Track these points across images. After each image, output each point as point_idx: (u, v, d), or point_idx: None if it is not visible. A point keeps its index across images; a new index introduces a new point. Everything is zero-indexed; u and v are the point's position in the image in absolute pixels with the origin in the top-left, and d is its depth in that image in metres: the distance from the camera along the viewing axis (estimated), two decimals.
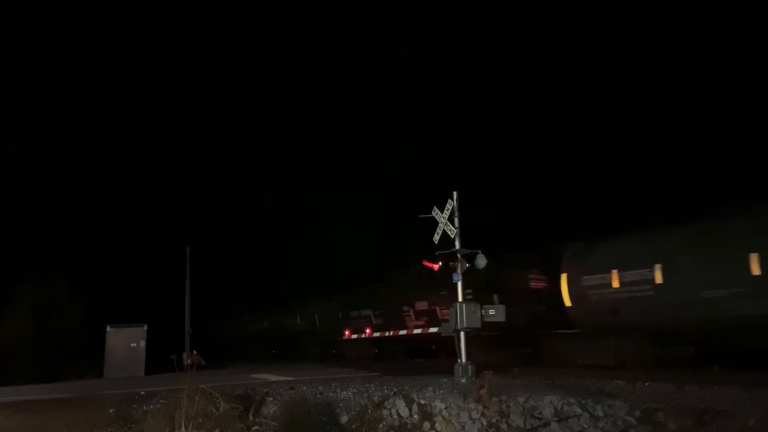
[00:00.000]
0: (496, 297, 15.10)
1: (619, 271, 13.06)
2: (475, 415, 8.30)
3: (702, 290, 11.40)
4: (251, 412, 8.55)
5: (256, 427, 8.10)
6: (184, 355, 17.22)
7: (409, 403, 8.71)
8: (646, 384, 10.12)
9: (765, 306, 10.46)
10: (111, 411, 8.90)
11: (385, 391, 9.45)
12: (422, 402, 8.72)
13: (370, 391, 9.59)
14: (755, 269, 10.65)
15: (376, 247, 34.19)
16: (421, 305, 19.64)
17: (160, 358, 12.81)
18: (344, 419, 8.56)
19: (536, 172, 33.15)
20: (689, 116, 25.29)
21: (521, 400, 8.62)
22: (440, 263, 12.25)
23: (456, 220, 11.38)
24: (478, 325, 10.80)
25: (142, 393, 10.35)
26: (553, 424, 8.20)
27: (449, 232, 11.39)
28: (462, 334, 10.87)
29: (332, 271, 35.38)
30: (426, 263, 12.57)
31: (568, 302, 14.18)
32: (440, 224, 11.51)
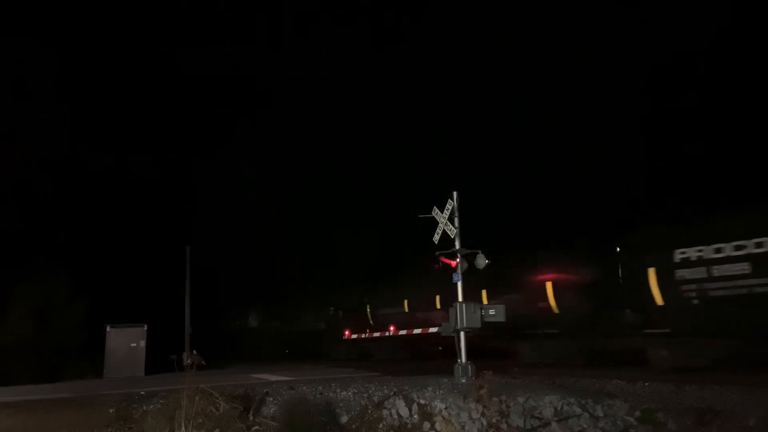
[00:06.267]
0: None
1: None
2: (475, 415, 8.31)
3: None
4: (251, 412, 8.56)
5: (256, 427, 8.11)
6: (184, 355, 17.18)
7: (409, 403, 8.72)
8: (646, 384, 10.11)
9: None
10: (111, 411, 8.89)
11: (385, 391, 9.45)
12: (422, 402, 8.73)
13: (370, 391, 9.58)
14: None
15: (376, 247, 34.17)
16: None
17: (160, 358, 12.78)
18: (344, 419, 8.57)
19: (536, 173, 33.09)
20: (689, 116, 25.30)
21: (521, 400, 8.62)
22: (440, 263, 12.17)
23: (456, 220, 11.38)
24: (478, 325, 10.81)
25: (142, 393, 10.35)
26: (553, 424, 8.21)
27: (449, 232, 11.39)
28: (462, 334, 10.88)
29: (332, 270, 35.35)
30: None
31: None
32: (440, 224, 11.51)
